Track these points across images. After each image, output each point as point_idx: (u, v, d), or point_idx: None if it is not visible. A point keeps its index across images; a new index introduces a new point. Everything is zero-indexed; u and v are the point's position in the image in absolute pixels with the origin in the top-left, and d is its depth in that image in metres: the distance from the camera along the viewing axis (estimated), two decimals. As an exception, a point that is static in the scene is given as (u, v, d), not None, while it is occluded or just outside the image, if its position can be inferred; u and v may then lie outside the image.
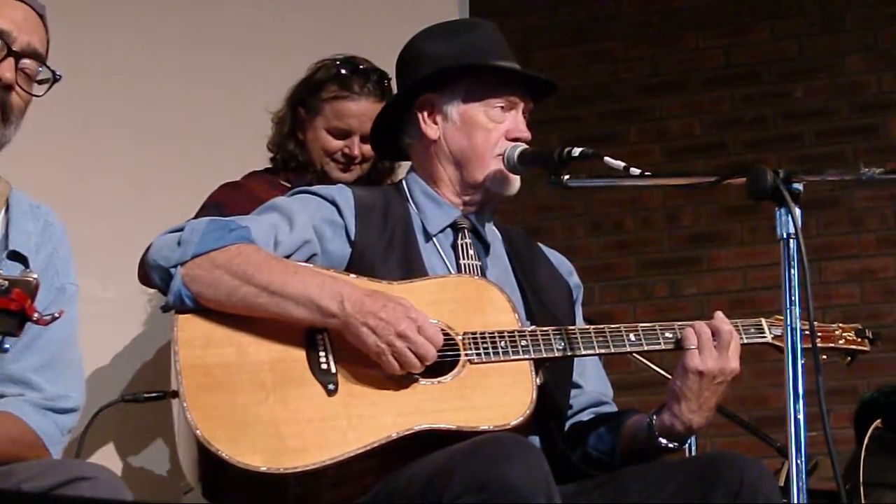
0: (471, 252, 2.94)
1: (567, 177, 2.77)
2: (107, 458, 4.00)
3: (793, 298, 2.41)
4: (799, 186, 2.45)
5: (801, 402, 2.37)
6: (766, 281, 5.78)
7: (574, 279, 3.13)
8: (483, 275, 2.92)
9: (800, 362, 2.38)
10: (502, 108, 2.95)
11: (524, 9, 6.28)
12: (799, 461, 2.35)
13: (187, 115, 4.30)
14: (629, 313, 5.99)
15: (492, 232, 3.04)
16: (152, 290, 3.98)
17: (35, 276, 2.10)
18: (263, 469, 2.52)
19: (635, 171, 2.72)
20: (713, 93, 6.09)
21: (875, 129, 5.88)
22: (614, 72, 6.20)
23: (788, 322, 2.41)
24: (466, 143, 2.95)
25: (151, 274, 2.75)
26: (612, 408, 3.04)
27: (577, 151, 2.78)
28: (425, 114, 2.97)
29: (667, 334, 2.82)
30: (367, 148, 3.65)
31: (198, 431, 2.53)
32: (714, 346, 2.76)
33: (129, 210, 4.09)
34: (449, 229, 2.96)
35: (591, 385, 3.03)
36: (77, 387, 2.61)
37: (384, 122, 3.05)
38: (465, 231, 2.96)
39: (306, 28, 4.51)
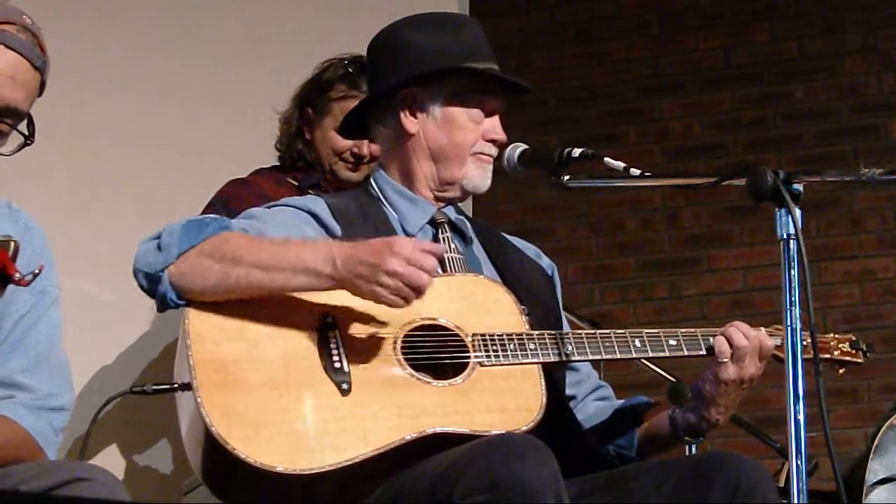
0: (452, 246, 2.94)
1: (567, 177, 2.77)
2: (113, 451, 4.00)
3: (793, 299, 2.40)
4: (799, 187, 2.45)
5: (801, 402, 2.36)
6: (766, 282, 5.78)
7: (545, 260, 3.13)
8: (466, 267, 2.91)
9: (800, 363, 2.38)
10: (482, 111, 2.96)
11: (524, 9, 6.28)
12: (799, 462, 2.35)
13: (187, 117, 4.30)
14: (629, 314, 5.99)
15: (467, 225, 3.04)
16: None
17: (15, 238, 2.08)
18: (280, 469, 2.51)
19: (635, 171, 2.73)
20: (713, 93, 6.08)
21: (875, 129, 5.88)
22: (614, 72, 6.20)
23: (788, 322, 2.40)
24: (446, 140, 2.94)
25: (138, 281, 2.73)
26: (608, 391, 3.08)
27: (577, 152, 2.79)
28: (406, 107, 2.96)
29: (671, 341, 2.85)
30: (376, 147, 3.64)
31: (213, 429, 2.51)
32: (748, 355, 2.80)
33: (130, 213, 4.08)
34: (427, 226, 2.96)
35: (585, 370, 3.06)
36: (66, 387, 2.60)
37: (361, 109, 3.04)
38: (445, 226, 2.96)
39: (305, 29, 4.51)
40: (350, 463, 2.54)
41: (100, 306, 4.02)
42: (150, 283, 2.71)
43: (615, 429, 2.96)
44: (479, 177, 2.95)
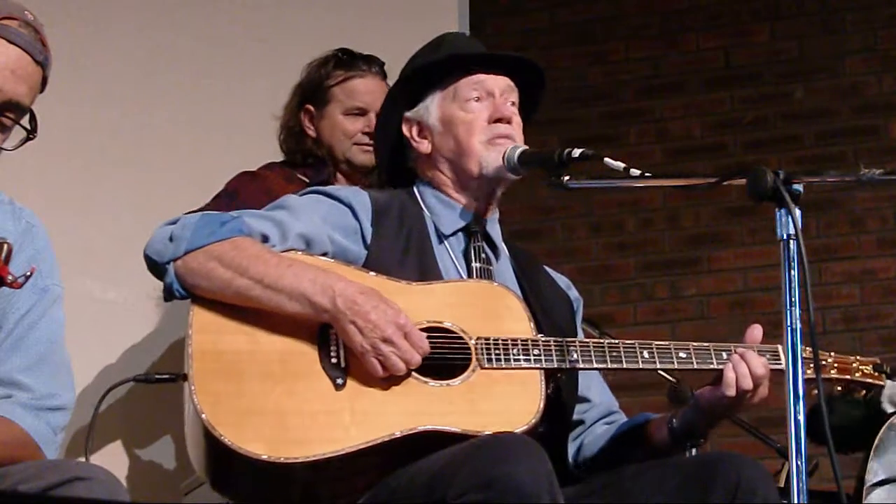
0: (482, 256, 2.96)
1: (567, 178, 2.78)
2: (113, 449, 4.00)
3: (793, 299, 2.40)
4: (799, 187, 2.45)
5: (801, 402, 2.36)
6: (767, 282, 5.78)
7: (573, 292, 3.16)
8: (492, 278, 2.93)
9: (800, 363, 2.38)
10: (476, 98, 2.99)
11: (524, 10, 6.28)
12: (799, 462, 2.35)
13: (189, 116, 4.31)
14: (629, 314, 5.99)
15: (501, 242, 3.07)
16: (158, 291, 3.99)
17: (9, 241, 2.09)
18: (265, 457, 2.53)
19: (635, 172, 2.73)
20: (713, 94, 6.08)
21: (875, 130, 5.88)
22: (614, 73, 6.20)
23: (788, 323, 2.40)
24: (454, 143, 2.99)
25: (146, 264, 2.77)
26: (622, 416, 3.08)
27: (577, 152, 2.80)
28: (413, 134, 3.03)
29: (681, 354, 2.85)
30: None
31: (203, 416, 2.55)
32: (753, 387, 2.80)
33: (132, 211, 4.09)
34: (462, 233, 2.99)
35: (598, 397, 3.07)
36: (66, 386, 2.60)
37: (388, 156, 3.11)
38: (478, 235, 2.99)
39: (307, 29, 4.52)
40: (336, 455, 2.56)
41: (102, 305, 4.03)
42: (155, 270, 2.75)
43: (621, 454, 2.96)
44: (496, 160, 2.95)
